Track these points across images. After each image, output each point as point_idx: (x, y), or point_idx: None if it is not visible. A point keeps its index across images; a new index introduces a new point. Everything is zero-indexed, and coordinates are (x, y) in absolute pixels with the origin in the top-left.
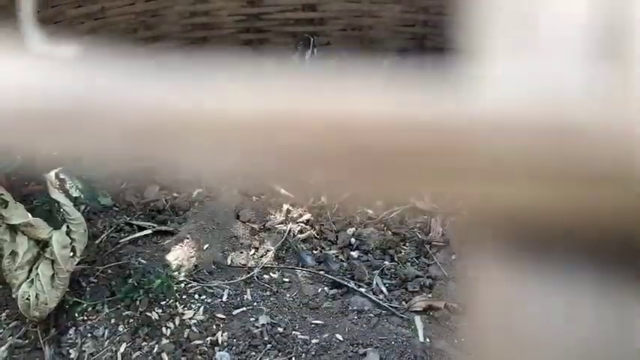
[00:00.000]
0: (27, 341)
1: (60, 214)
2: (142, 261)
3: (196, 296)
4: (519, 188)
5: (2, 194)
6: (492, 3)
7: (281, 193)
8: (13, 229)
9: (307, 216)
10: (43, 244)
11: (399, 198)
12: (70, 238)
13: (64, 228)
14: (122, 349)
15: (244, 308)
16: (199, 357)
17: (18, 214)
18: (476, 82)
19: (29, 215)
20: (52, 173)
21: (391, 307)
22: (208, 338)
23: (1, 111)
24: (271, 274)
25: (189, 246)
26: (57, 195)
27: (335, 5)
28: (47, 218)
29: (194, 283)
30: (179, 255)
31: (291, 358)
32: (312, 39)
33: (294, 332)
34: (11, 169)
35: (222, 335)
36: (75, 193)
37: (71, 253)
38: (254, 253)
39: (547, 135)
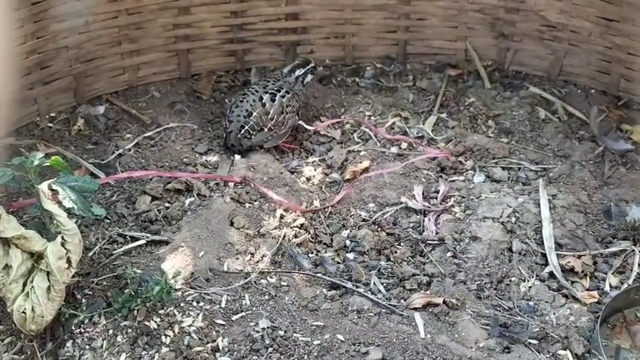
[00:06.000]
0: (23, 356)
1: (53, 226)
2: (138, 271)
3: (194, 303)
4: None
5: None
6: None
7: (274, 198)
8: (6, 243)
9: (301, 220)
10: (37, 257)
11: None
12: (65, 249)
13: (58, 239)
14: None
15: (243, 313)
16: None
17: (11, 227)
18: None
19: (22, 228)
20: (45, 184)
21: (390, 305)
22: (209, 344)
23: None
24: (269, 278)
25: (185, 254)
26: (50, 206)
27: (318, 14)
28: (40, 230)
29: (191, 291)
30: (174, 263)
31: None
32: (312, 64)
33: (295, 334)
34: (1, 182)
35: (222, 341)
36: (68, 204)
37: (66, 265)
38: (250, 259)
39: None
